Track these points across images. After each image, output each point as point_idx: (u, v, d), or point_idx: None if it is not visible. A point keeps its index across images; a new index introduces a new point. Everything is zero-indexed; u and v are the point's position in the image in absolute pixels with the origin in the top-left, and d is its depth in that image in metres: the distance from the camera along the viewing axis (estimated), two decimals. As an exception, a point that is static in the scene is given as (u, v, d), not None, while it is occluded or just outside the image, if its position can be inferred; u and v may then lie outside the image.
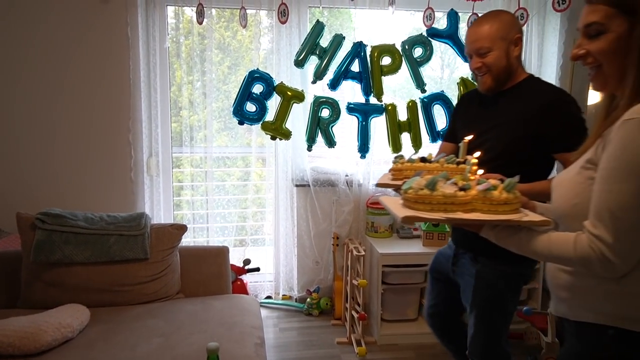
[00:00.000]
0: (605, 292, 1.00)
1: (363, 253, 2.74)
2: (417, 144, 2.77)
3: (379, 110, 2.76)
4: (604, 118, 1.03)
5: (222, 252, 2.41)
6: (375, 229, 3.03)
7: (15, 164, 2.80)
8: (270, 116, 2.74)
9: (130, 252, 2.16)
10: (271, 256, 3.24)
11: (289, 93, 2.69)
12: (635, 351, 0.98)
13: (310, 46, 2.67)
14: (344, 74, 2.72)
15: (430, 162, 1.45)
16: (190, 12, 2.88)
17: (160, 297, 2.21)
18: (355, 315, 2.74)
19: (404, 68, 2.73)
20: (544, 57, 3.06)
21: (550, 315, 2.45)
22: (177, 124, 3.06)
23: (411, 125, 2.77)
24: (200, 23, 2.73)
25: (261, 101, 2.70)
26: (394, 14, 2.82)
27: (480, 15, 1.80)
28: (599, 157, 0.97)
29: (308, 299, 3.11)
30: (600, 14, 0.98)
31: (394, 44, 2.70)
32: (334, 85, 2.72)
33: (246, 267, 3.08)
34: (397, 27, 3.00)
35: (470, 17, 2.71)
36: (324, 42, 2.70)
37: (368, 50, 2.70)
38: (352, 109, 2.76)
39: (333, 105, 2.73)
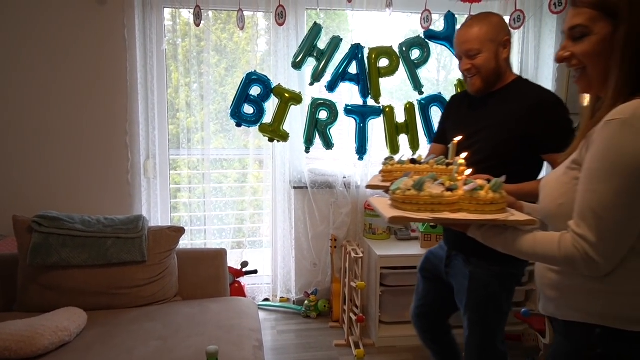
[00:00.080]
0: (591, 291, 1.01)
1: (361, 255, 2.74)
2: (414, 145, 2.78)
3: (376, 112, 2.77)
4: (590, 119, 1.05)
5: (219, 255, 2.40)
6: (373, 231, 3.03)
7: (11, 166, 2.79)
8: (267, 118, 2.74)
9: (128, 255, 2.15)
10: (269, 258, 3.23)
11: (287, 95, 2.69)
12: (623, 349, 0.99)
13: (308, 48, 2.67)
14: (341, 76, 2.72)
15: (420, 163, 1.47)
16: (187, 14, 2.88)
17: (158, 300, 2.20)
18: (354, 318, 2.73)
19: (402, 70, 2.74)
20: (541, 58, 3.08)
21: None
22: (174, 126, 3.06)
23: (409, 127, 2.77)
24: (197, 25, 2.73)
25: (259, 103, 2.70)
26: (391, 16, 2.82)
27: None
28: (584, 158, 0.99)
29: (306, 302, 3.10)
30: (584, 16, 0.99)
31: (391, 46, 2.71)
32: (331, 87, 2.73)
33: (244, 270, 3.08)
34: (394, 29, 3.01)
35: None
36: (322, 44, 2.70)
37: (365, 52, 2.70)
38: (350, 110, 2.77)
39: (331, 107, 2.74)
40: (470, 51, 1.62)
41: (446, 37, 2.65)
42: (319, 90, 2.82)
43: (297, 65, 2.71)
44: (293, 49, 2.84)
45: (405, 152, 2.75)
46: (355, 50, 2.69)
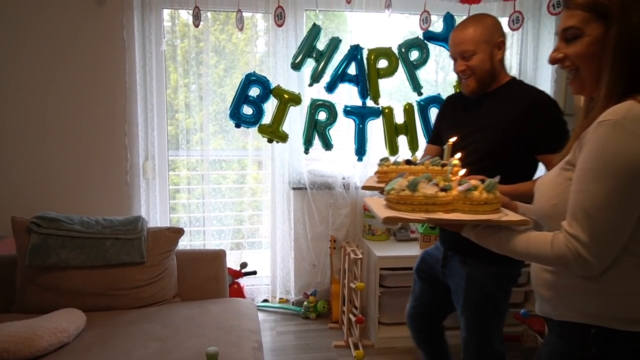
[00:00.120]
0: (586, 291, 1.01)
1: (360, 256, 2.74)
2: (413, 146, 2.78)
3: (375, 113, 2.77)
4: (583, 120, 1.05)
5: (219, 256, 2.40)
6: (372, 231, 3.03)
7: (10, 167, 2.78)
8: (267, 119, 2.74)
9: (127, 256, 2.14)
10: (268, 259, 3.23)
11: (286, 96, 2.69)
12: (617, 350, 0.99)
13: (307, 49, 2.67)
14: (340, 76, 2.72)
15: (415, 164, 1.47)
16: (186, 15, 2.88)
17: (157, 301, 2.20)
18: (353, 319, 2.73)
19: (401, 71, 2.74)
20: (539, 60, 3.09)
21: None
22: (173, 127, 3.05)
23: (408, 128, 2.78)
24: (196, 26, 2.73)
25: (258, 104, 2.70)
26: (390, 17, 2.82)
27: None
28: (577, 158, 1.00)
29: (305, 302, 3.10)
30: (577, 18, 1.00)
31: (390, 47, 2.71)
32: (330, 88, 2.73)
33: (243, 271, 3.07)
34: (393, 30, 3.01)
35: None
36: (321, 45, 2.70)
37: (364, 53, 2.70)
38: (349, 111, 2.77)
39: (330, 108, 2.74)
40: (465, 52, 1.63)
41: (445, 38, 2.66)
42: (318, 91, 2.83)
43: (296, 66, 2.71)
44: (292, 49, 2.84)
45: (404, 153, 2.76)
46: (355, 51, 2.69)
